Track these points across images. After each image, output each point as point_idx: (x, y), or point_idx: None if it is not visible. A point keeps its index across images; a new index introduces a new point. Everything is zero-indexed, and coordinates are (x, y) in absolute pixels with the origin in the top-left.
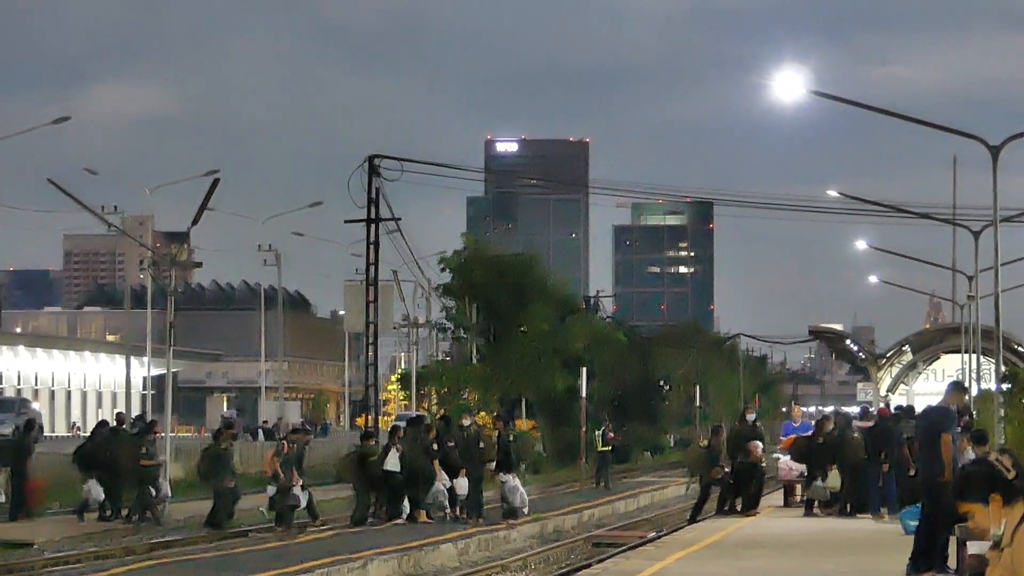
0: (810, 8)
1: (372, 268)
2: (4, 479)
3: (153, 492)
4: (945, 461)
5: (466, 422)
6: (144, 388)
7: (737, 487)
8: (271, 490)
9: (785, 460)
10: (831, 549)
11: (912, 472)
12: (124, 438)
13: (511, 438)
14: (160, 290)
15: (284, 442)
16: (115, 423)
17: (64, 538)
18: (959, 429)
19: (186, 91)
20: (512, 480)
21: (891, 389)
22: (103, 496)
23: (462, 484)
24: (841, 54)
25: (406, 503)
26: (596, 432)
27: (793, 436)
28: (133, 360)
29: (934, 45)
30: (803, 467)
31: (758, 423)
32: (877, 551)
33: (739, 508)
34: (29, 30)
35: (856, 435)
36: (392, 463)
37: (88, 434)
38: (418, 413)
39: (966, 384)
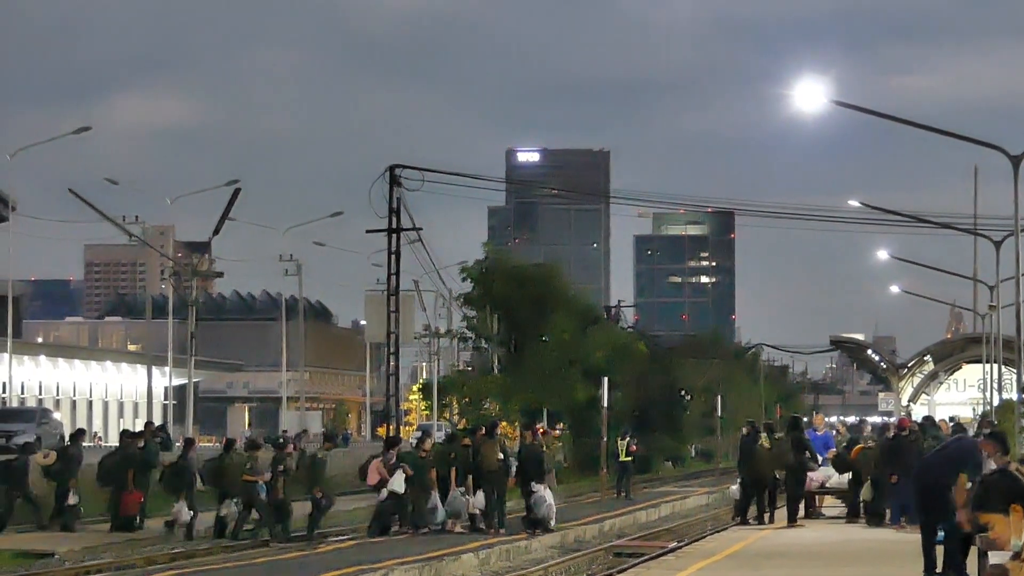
0: (831, 19)
1: (393, 278)
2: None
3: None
4: (956, 502)
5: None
6: (165, 398)
7: (772, 495)
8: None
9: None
10: (853, 559)
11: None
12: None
13: (543, 447)
14: (181, 300)
15: (391, 452)
16: (144, 431)
17: (85, 548)
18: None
19: (207, 101)
20: (542, 491)
21: (912, 399)
22: (192, 515)
23: (478, 498)
24: (862, 65)
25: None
26: (621, 441)
27: (860, 446)
28: (154, 370)
29: (955, 56)
30: (825, 478)
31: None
32: (898, 561)
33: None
34: (50, 41)
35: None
36: (398, 484)
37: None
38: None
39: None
